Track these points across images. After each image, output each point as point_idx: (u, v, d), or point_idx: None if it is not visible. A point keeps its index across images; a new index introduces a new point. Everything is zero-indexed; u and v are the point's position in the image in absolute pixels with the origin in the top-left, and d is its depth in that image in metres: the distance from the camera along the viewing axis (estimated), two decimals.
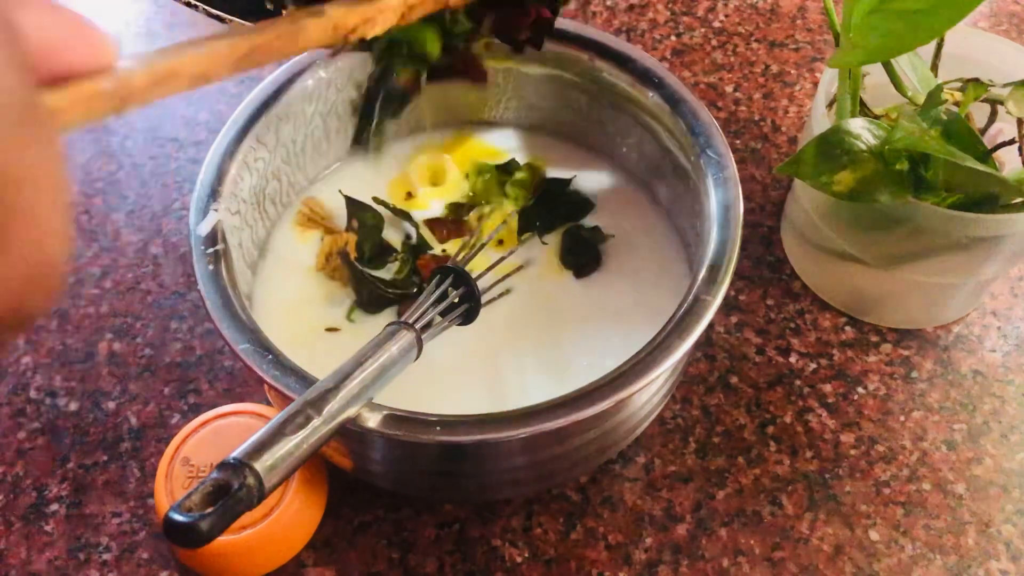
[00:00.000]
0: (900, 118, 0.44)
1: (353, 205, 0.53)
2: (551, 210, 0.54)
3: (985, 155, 0.45)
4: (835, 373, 0.54)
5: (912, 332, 0.56)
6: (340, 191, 0.54)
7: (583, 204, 0.54)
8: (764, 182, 0.62)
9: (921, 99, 0.47)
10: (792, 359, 0.55)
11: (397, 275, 0.52)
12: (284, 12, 0.35)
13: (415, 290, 0.51)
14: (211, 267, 0.44)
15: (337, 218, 0.54)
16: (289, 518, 0.46)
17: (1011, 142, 0.47)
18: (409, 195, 0.55)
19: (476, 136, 0.58)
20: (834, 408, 0.53)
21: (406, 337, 0.41)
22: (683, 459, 0.51)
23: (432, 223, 0.54)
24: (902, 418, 0.52)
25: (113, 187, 0.63)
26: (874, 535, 0.49)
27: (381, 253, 0.52)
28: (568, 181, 0.55)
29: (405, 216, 0.54)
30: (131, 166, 0.64)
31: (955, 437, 0.52)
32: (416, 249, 0.53)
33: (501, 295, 0.51)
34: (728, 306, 0.56)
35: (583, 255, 0.52)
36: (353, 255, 0.52)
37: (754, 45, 0.69)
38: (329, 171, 0.56)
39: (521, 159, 0.56)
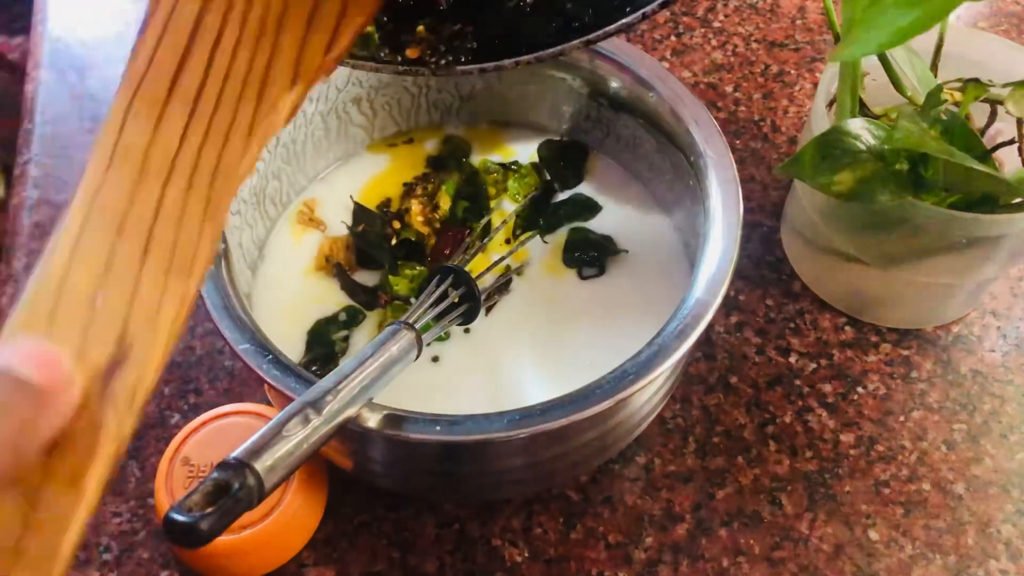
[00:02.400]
0: (900, 118, 0.44)
1: (360, 211, 0.54)
2: (553, 210, 0.54)
3: (985, 155, 0.45)
4: (835, 373, 0.54)
5: (912, 332, 0.56)
6: (351, 196, 0.54)
7: (586, 204, 0.54)
8: (764, 182, 0.62)
9: (921, 99, 0.47)
10: (792, 359, 0.55)
11: (409, 284, 0.51)
12: None
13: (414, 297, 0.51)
14: (211, 267, 0.44)
15: (337, 218, 0.54)
16: (289, 518, 0.46)
17: (1011, 142, 0.47)
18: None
19: (480, 135, 0.58)
20: (834, 408, 0.53)
21: (406, 337, 0.41)
22: (683, 459, 0.51)
23: (437, 230, 0.54)
24: (902, 418, 0.52)
25: None
26: (874, 535, 0.49)
27: (380, 257, 0.52)
28: (570, 182, 0.55)
29: (404, 223, 0.54)
30: None
31: (955, 437, 0.52)
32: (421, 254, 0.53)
33: (501, 295, 0.51)
34: (728, 306, 0.56)
35: (588, 258, 0.52)
36: (351, 260, 0.52)
37: (754, 45, 0.69)
38: (329, 171, 0.56)
39: (523, 159, 0.56)
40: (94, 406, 0.23)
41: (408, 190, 0.55)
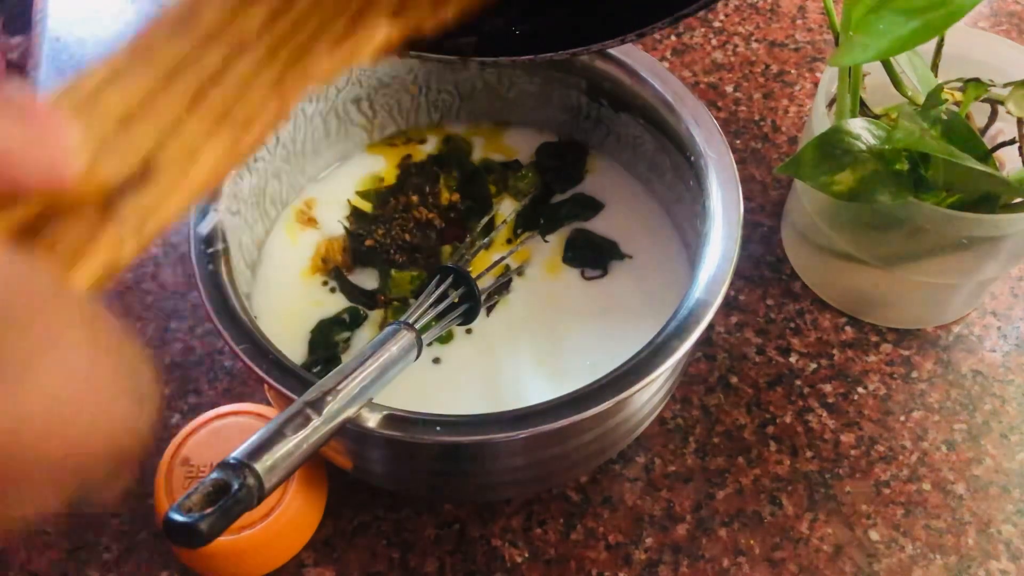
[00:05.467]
0: (900, 118, 0.44)
1: (358, 214, 0.54)
2: (553, 210, 0.54)
3: (985, 155, 0.45)
4: (835, 373, 0.54)
5: (912, 332, 0.56)
6: (350, 201, 0.54)
7: (586, 204, 0.54)
8: (764, 182, 0.62)
9: (921, 99, 0.47)
10: (792, 359, 0.54)
11: (409, 285, 0.51)
12: None
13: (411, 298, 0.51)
14: (211, 267, 0.44)
15: (336, 218, 0.54)
16: (289, 518, 0.46)
17: (1011, 142, 0.47)
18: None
19: (480, 135, 0.58)
20: (834, 408, 0.53)
21: (406, 337, 0.41)
22: (683, 459, 0.51)
23: (438, 229, 0.54)
24: (902, 418, 0.52)
25: None
26: (874, 535, 0.49)
27: (377, 259, 0.52)
28: (570, 181, 0.55)
29: (403, 224, 0.54)
30: None
31: (955, 437, 0.52)
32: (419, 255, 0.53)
33: (501, 295, 0.51)
34: (728, 306, 0.56)
35: (590, 259, 0.52)
36: (348, 261, 0.52)
37: (754, 45, 0.69)
38: (328, 171, 0.56)
39: (523, 159, 0.56)
40: (94, 211, 0.20)
41: (407, 174, 0.55)
